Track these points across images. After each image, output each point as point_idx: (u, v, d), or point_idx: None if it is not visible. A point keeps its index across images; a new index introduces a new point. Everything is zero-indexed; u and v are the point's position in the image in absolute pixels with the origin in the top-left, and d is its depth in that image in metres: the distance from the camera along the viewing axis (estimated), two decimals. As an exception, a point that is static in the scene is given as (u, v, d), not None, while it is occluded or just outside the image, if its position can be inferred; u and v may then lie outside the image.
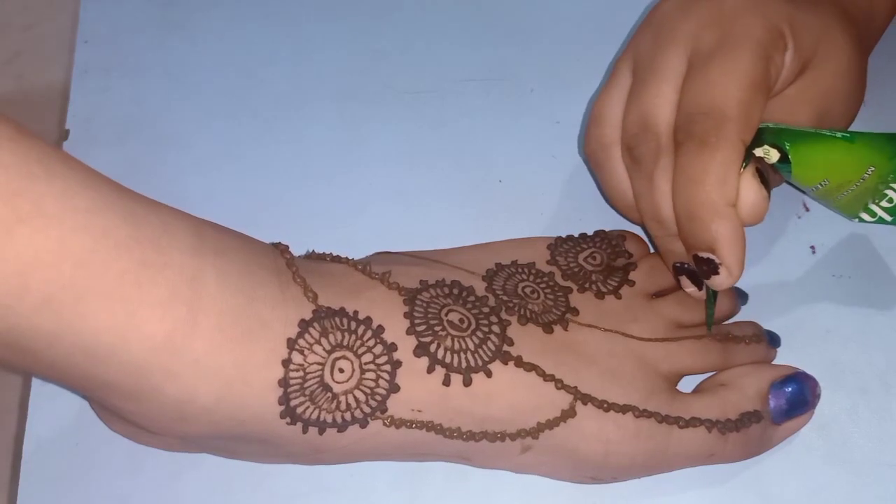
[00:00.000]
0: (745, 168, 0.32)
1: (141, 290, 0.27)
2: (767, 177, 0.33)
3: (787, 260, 0.39)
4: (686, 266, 0.34)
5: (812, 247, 0.39)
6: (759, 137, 0.32)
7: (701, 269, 0.32)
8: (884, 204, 0.35)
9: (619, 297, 0.35)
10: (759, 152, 0.32)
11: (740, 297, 0.37)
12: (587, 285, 0.35)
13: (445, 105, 0.43)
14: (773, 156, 0.32)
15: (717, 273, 0.32)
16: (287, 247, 0.32)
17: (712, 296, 0.34)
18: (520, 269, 0.35)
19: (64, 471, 0.34)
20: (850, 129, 0.37)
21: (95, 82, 0.45)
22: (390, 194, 0.41)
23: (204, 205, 0.33)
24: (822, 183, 0.33)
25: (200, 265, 0.28)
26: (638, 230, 0.39)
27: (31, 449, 0.35)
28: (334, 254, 0.34)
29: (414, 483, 0.34)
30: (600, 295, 0.35)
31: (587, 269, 0.36)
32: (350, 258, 0.34)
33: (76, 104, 0.44)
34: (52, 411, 0.36)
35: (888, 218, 0.36)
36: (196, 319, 0.28)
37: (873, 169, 0.33)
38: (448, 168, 0.42)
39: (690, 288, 0.35)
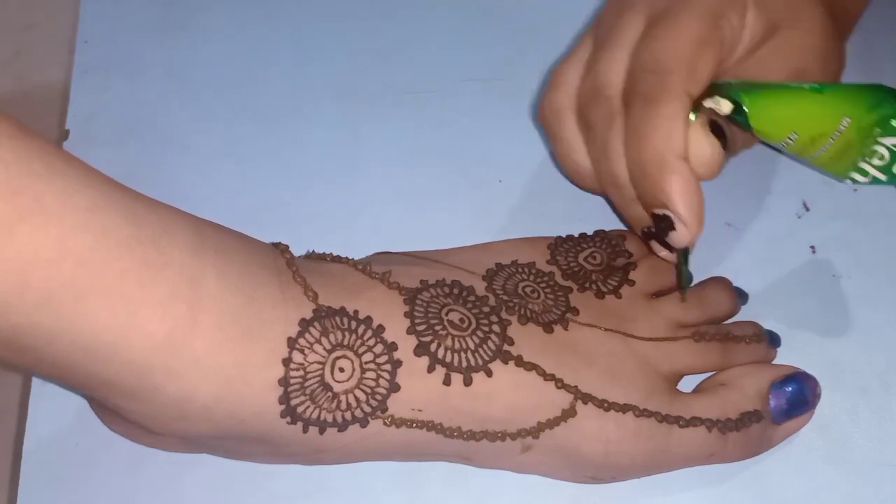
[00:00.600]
0: (695, 119, 0.31)
1: (142, 289, 0.27)
2: (726, 132, 0.32)
3: (787, 260, 0.39)
4: (653, 230, 0.34)
5: (812, 247, 0.39)
6: (715, 92, 0.32)
7: (660, 227, 0.32)
8: (875, 162, 0.34)
9: (619, 296, 0.35)
10: (708, 103, 0.31)
11: (740, 296, 0.37)
12: (587, 285, 0.35)
13: (445, 105, 0.44)
14: (725, 106, 0.31)
15: (674, 229, 0.32)
16: (287, 246, 0.32)
17: (682, 256, 0.33)
18: (520, 269, 0.35)
19: (64, 471, 0.34)
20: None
21: (95, 82, 0.45)
22: (390, 194, 0.41)
23: (204, 205, 0.33)
24: (791, 137, 0.32)
25: (201, 265, 0.28)
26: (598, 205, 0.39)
27: (31, 449, 0.35)
28: (334, 254, 0.34)
29: (414, 483, 0.34)
30: (600, 294, 0.35)
31: (587, 268, 0.36)
32: (350, 258, 0.34)
33: (76, 104, 0.44)
34: (52, 411, 0.36)
35: (882, 177, 0.34)
36: (196, 318, 0.28)
37: (849, 120, 0.32)
38: (448, 168, 0.42)
39: (663, 252, 0.34)
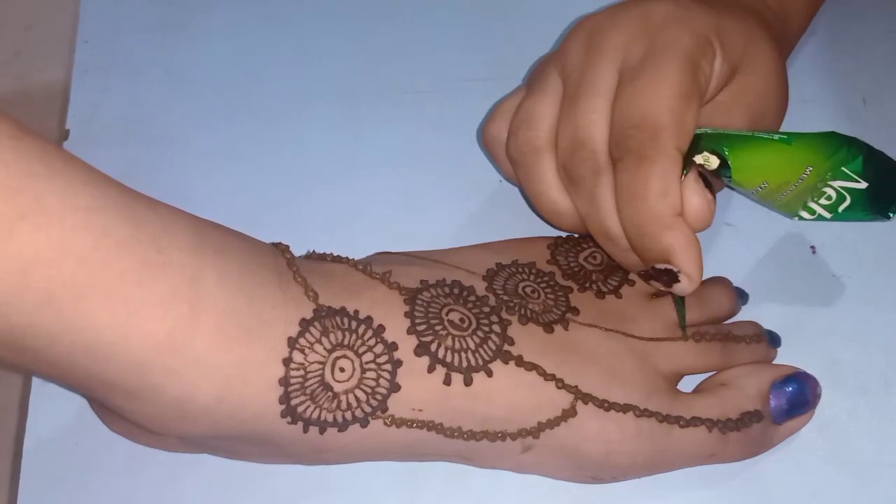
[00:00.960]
0: (685, 175, 0.32)
1: (142, 289, 0.27)
2: (711, 181, 0.33)
3: (787, 260, 0.39)
4: (651, 273, 0.33)
5: (812, 247, 0.39)
6: (697, 144, 0.32)
7: (661, 279, 0.32)
8: (822, 201, 0.35)
9: (619, 296, 0.35)
10: (699, 159, 0.32)
11: (740, 297, 0.37)
12: (588, 285, 0.35)
13: (445, 105, 0.43)
14: (714, 162, 0.32)
15: (678, 281, 0.32)
16: (287, 247, 0.32)
17: (680, 299, 0.34)
18: (520, 269, 0.35)
19: (64, 471, 0.34)
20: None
21: (95, 82, 0.45)
22: (390, 194, 0.41)
23: (204, 205, 0.33)
24: (762, 185, 0.33)
25: (201, 264, 0.28)
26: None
27: (31, 449, 0.35)
28: (335, 254, 0.34)
29: (414, 483, 0.34)
30: (601, 294, 0.35)
31: (587, 268, 0.36)
32: (351, 258, 0.34)
33: (76, 104, 0.44)
34: (53, 411, 0.36)
35: (827, 215, 0.36)
36: (197, 318, 0.28)
37: (811, 168, 0.34)
38: (448, 168, 0.42)
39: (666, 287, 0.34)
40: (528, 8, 0.47)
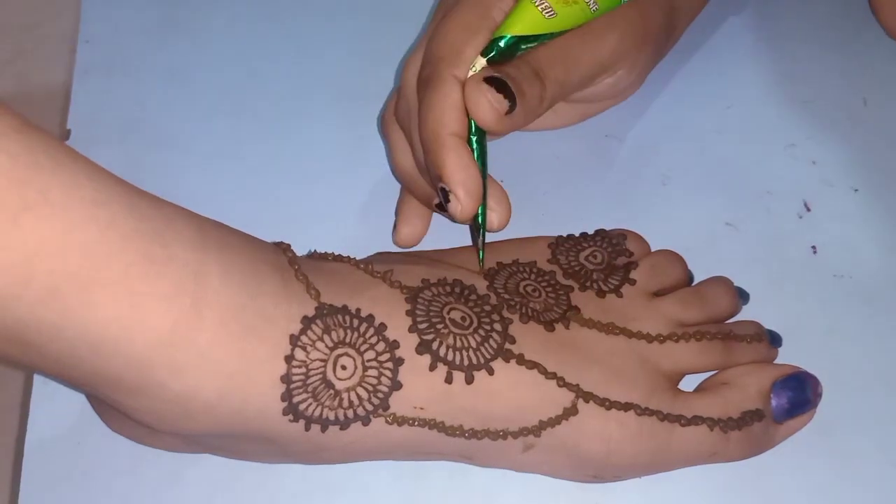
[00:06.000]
0: (469, 81, 0.34)
1: (145, 283, 0.27)
2: (511, 86, 0.34)
3: (787, 260, 0.39)
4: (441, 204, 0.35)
5: (812, 247, 0.39)
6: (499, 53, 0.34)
7: (443, 202, 0.34)
8: None
9: (620, 295, 0.35)
10: (470, 72, 0.34)
11: (741, 296, 0.37)
12: (588, 284, 0.35)
13: (446, 105, 0.43)
14: (479, 63, 0.34)
15: (449, 201, 0.33)
16: (289, 245, 0.32)
17: (477, 231, 0.35)
18: (521, 268, 0.35)
19: (65, 470, 0.34)
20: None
21: (96, 82, 0.45)
22: (391, 194, 0.41)
23: (205, 205, 0.33)
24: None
25: (204, 260, 0.28)
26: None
27: (32, 448, 0.35)
28: (336, 253, 0.34)
29: (415, 482, 0.34)
30: (601, 293, 0.35)
31: (588, 267, 0.36)
32: (352, 257, 0.34)
33: (77, 104, 0.44)
34: (54, 411, 0.36)
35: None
36: (200, 313, 0.28)
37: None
38: (449, 168, 0.42)
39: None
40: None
